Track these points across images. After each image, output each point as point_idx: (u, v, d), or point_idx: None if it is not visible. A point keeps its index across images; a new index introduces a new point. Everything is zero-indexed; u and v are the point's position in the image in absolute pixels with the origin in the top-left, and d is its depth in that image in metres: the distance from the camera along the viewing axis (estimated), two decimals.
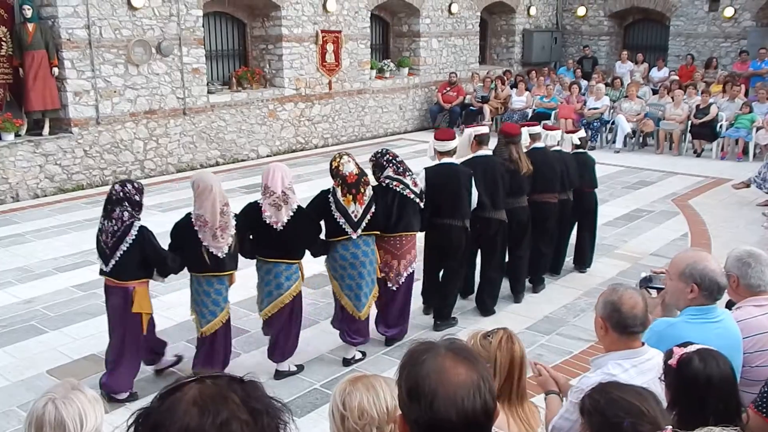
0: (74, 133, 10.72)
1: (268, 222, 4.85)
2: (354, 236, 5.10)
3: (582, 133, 7.61)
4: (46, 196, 10.25)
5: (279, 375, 5.18)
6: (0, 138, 10.11)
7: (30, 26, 10.02)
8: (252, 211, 4.94)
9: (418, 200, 5.47)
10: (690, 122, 13.58)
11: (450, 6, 16.67)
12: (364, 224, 5.12)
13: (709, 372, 2.33)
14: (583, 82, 16.24)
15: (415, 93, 16.58)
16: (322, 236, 5.24)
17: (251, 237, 5.03)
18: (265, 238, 4.93)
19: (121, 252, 4.64)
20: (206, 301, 4.86)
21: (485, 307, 6.29)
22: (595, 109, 14.48)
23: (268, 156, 13.08)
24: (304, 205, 5.14)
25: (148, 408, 1.25)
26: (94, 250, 4.91)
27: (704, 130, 13.46)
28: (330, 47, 14.21)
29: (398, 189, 5.36)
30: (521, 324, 5.96)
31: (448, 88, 16.29)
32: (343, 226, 5.07)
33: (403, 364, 1.62)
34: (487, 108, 15.94)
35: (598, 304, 2.84)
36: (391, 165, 5.45)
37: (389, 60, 16.37)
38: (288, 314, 5.08)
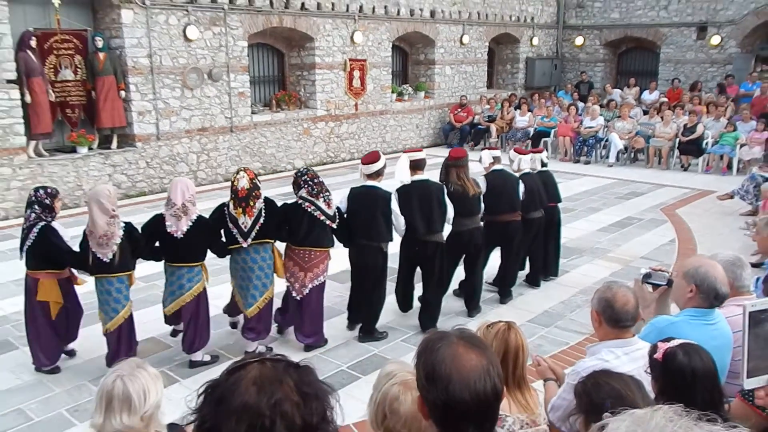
0: (138, 147, 10.85)
1: (168, 231, 4.79)
2: (244, 245, 4.94)
3: (546, 153, 7.22)
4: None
5: (193, 364, 5.09)
6: (75, 151, 10.26)
7: (101, 55, 10.18)
8: (155, 222, 4.89)
9: (328, 221, 5.14)
10: (678, 139, 13.44)
11: (461, 37, 16.66)
12: (253, 234, 4.93)
13: (693, 365, 2.27)
14: (580, 104, 16.13)
15: (430, 113, 16.57)
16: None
17: (157, 244, 4.94)
18: (168, 245, 4.86)
19: (26, 247, 4.76)
20: (108, 299, 4.77)
21: (422, 325, 5.69)
22: (590, 127, 14.39)
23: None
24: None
25: (217, 381, 1.26)
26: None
27: (691, 147, 13.31)
28: (356, 74, 14.25)
29: (309, 210, 5.10)
30: (523, 317, 5.93)
31: (459, 109, 16.28)
32: (236, 236, 4.94)
33: (420, 351, 1.61)
34: (493, 127, 15.89)
35: (594, 299, 2.82)
36: (306, 185, 5.15)
37: (408, 84, 16.38)
38: (194, 310, 4.99)
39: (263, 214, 4.96)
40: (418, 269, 5.82)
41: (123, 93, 10.44)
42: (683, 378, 2.27)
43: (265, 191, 5.29)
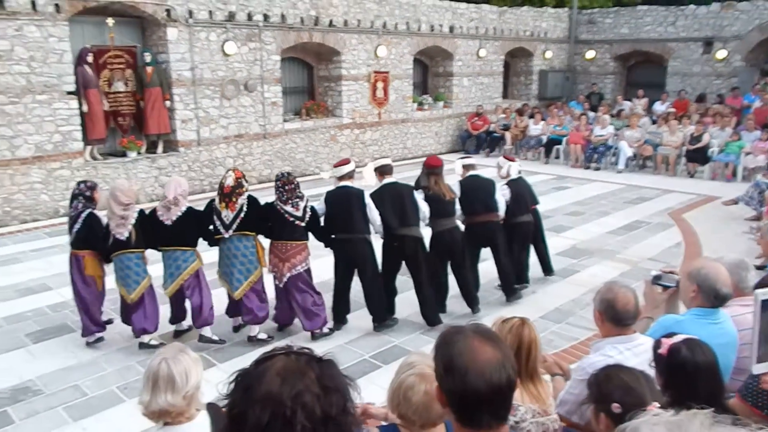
0: (181, 152, 11.02)
1: (160, 219, 5.15)
2: (226, 235, 5.18)
3: (518, 161, 6.84)
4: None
5: (202, 338, 5.31)
6: (126, 155, 10.46)
7: (149, 69, 10.36)
8: (151, 213, 5.25)
9: (297, 222, 5.25)
10: (685, 148, 13.22)
11: (478, 51, 16.60)
12: (234, 226, 5.15)
13: (696, 360, 2.24)
14: (591, 114, 15.95)
15: (448, 122, 16.53)
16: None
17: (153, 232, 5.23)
18: (160, 232, 5.18)
19: (75, 231, 5.18)
20: (129, 273, 5.15)
21: (427, 320, 5.70)
22: (600, 136, 14.21)
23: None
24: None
25: (246, 370, 1.26)
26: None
27: (697, 155, 13.03)
28: (380, 85, 14.28)
29: (281, 211, 5.25)
30: (536, 313, 5.90)
31: (476, 118, 16.21)
32: (219, 227, 5.18)
33: (438, 345, 1.60)
34: (508, 135, 15.79)
35: (596, 299, 2.79)
36: (277, 191, 5.30)
37: (428, 95, 16.36)
38: (195, 283, 5.24)
39: (244, 209, 5.17)
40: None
41: (168, 103, 10.61)
42: (686, 372, 2.24)
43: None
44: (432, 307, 5.73)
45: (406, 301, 5.92)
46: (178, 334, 5.49)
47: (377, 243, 5.62)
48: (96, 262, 5.28)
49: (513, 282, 6.37)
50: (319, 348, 4.97)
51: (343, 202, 5.42)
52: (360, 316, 5.79)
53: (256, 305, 5.34)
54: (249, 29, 11.51)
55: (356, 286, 5.67)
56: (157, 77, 10.40)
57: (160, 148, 10.88)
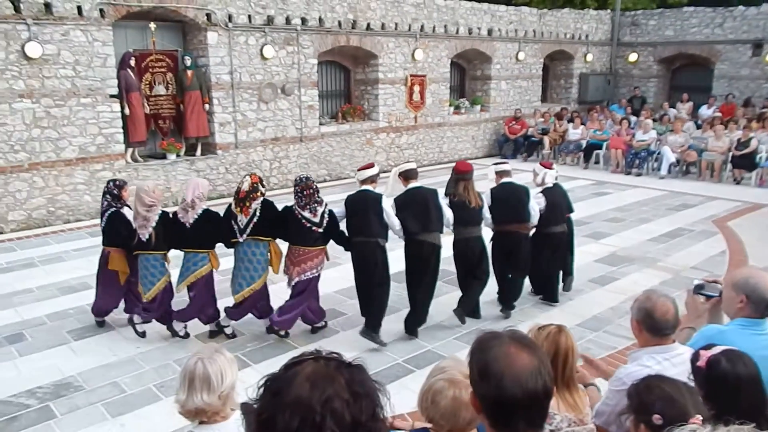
0: (219, 154, 11.21)
1: (181, 220, 5.28)
2: (240, 239, 5.26)
3: (555, 167, 6.62)
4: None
5: (174, 333, 5.51)
6: (166, 157, 10.70)
7: (189, 73, 10.59)
8: (174, 215, 5.37)
9: (314, 228, 5.25)
10: (731, 153, 12.83)
11: (517, 54, 16.45)
12: (248, 231, 5.22)
13: (737, 372, 2.15)
14: (633, 118, 15.65)
15: (486, 126, 16.41)
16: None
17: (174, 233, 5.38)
18: (181, 233, 5.30)
19: (101, 228, 5.55)
20: (146, 273, 5.34)
21: (406, 328, 5.59)
22: (643, 141, 13.92)
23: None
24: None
25: (276, 374, 1.26)
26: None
27: (744, 161, 12.64)
28: (416, 88, 14.28)
29: (298, 216, 5.27)
30: (573, 320, 5.81)
31: (514, 122, 16.08)
32: (235, 231, 5.27)
33: (473, 350, 1.59)
34: (546, 139, 15.59)
35: (634, 308, 2.71)
36: (296, 197, 5.32)
37: (464, 99, 16.29)
38: (201, 286, 5.37)
39: (257, 214, 5.22)
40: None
41: (207, 106, 10.82)
42: (727, 385, 2.17)
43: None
44: (419, 317, 5.60)
45: (440, 305, 5.90)
46: (213, 335, 5.58)
47: (400, 248, 5.56)
48: (122, 258, 5.49)
49: (514, 298, 6.17)
50: (353, 350, 5.02)
51: (361, 206, 5.39)
52: (392, 320, 5.79)
53: (244, 311, 5.47)
54: (287, 33, 11.67)
55: (402, 290, 5.69)
56: (197, 81, 10.62)
57: (198, 151, 11.09)
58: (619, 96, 18.71)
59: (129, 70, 9.91)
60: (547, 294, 6.46)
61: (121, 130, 9.97)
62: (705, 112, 15.98)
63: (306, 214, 5.26)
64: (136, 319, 5.58)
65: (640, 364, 2.62)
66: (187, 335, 5.56)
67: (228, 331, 5.57)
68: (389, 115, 13.92)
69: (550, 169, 6.43)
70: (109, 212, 5.48)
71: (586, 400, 2.76)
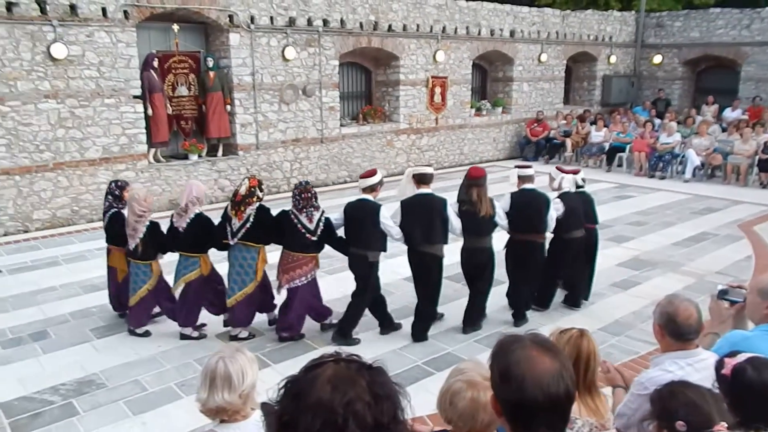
0: (240, 155, 11.30)
1: (175, 225, 5.38)
2: (231, 242, 5.26)
3: (583, 173, 6.52)
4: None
5: (183, 336, 5.54)
6: (187, 158, 10.82)
7: (211, 74, 10.70)
8: (170, 220, 5.49)
9: (307, 234, 5.23)
10: (758, 157, 12.60)
11: (540, 56, 16.34)
12: (240, 235, 5.20)
13: (763, 380, 2.07)
14: (657, 121, 15.46)
15: (507, 128, 16.33)
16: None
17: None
18: (174, 238, 5.42)
19: (103, 227, 5.78)
20: (135, 279, 5.51)
21: (413, 335, 5.55)
22: (667, 143, 13.74)
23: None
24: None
25: (295, 377, 1.26)
26: None
27: None
28: (438, 90, 14.26)
29: (294, 220, 5.26)
30: (594, 325, 5.74)
31: (536, 124, 15.97)
32: (228, 234, 5.27)
33: (494, 353, 1.58)
34: (568, 141, 15.47)
35: (656, 313, 2.68)
36: (294, 199, 5.32)
37: (486, 100, 16.23)
38: (185, 291, 5.47)
39: (251, 220, 5.20)
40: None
41: (229, 107, 10.92)
42: (753, 393, 2.12)
43: (349, 198, 5.42)
44: (425, 325, 5.59)
45: (460, 308, 5.88)
46: (233, 339, 5.62)
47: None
48: (122, 256, 5.68)
49: (526, 308, 6.06)
50: (372, 351, 5.04)
51: (359, 216, 5.32)
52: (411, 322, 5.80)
53: (243, 314, 5.47)
54: (308, 34, 11.74)
55: (411, 292, 5.69)
56: (219, 82, 10.73)
57: (220, 152, 11.19)
58: (643, 98, 18.48)
59: (152, 71, 10.04)
60: (571, 299, 6.38)
61: (144, 131, 10.11)
62: (729, 114, 15.72)
63: (302, 218, 5.25)
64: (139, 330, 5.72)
65: (662, 369, 2.59)
66: (202, 336, 5.61)
67: (243, 335, 5.57)
68: (410, 116, 13.92)
69: (575, 174, 6.29)
70: (110, 213, 5.66)
71: (608, 404, 2.74)
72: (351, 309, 5.49)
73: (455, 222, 5.43)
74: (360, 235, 5.31)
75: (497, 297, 6.18)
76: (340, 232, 5.49)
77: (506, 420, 1.55)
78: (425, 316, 5.59)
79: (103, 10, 9.33)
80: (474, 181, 5.52)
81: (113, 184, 5.80)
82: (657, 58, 18.61)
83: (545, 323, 5.82)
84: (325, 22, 11.94)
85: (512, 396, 1.50)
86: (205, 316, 5.73)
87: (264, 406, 2.50)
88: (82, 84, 9.33)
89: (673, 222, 9.84)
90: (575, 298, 6.36)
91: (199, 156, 10.95)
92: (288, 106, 11.73)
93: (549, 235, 6.05)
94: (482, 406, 2.04)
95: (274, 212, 5.49)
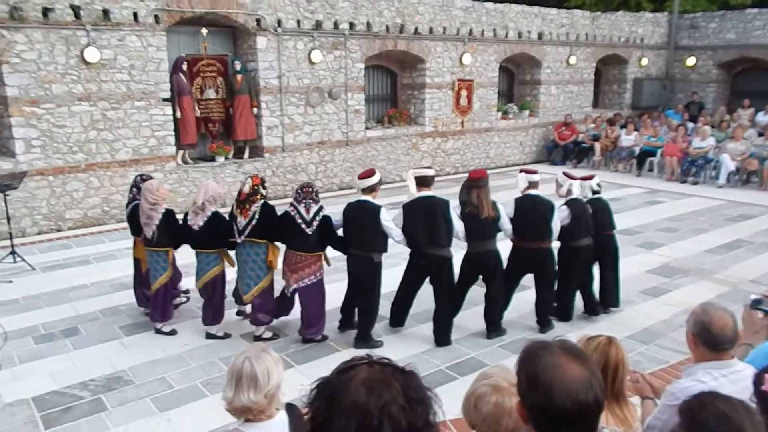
0: (266, 157, 11.43)
1: (189, 224, 5.52)
2: (238, 240, 5.38)
3: (598, 178, 6.37)
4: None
5: (209, 336, 5.65)
6: (214, 160, 10.99)
7: (239, 77, 10.84)
8: (184, 218, 5.65)
9: (303, 225, 5.25)
10: None
11: (568, 58, 16.20)
12: (246, 232, 5.30)
13: None
14: (690, 124, 15.17)
15: (534, 131, 16.22)
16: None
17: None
18: (191, 236, 5.56)
19: (126, 217, 6.07)
20: (152, 267, 5.69)
21: (436, 340, 5.55)
22: (700, 148, 13.49)
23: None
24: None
25: (327, 379, 1.27)
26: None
27: None
28: (463, 93, 14.24)
29: (292, 213, 5.31)
30: (623, 332, 5.66)
31: (564, 128, 15.82)
32: (234, 232, 5.38)
33: (521, 359, 1.57)
34: (597, 145, 15.29)
35: (690, 321, 2.64)
36: (296, 193, 5.41)
37: (513, 103, 16.14)
38: (211, 289, 5.60)
39: (256, 217, 5.31)
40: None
41: (255, 110, 11.05)
42: None
43: (377, 201, 5.44)
44: (446, 327, 5.56)
45: (481, 313, 5.86)
46: (257, 339, 5.67)
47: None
48: (139, 244, 5.88)
49: (549, 313, 5.96)
50: (395, 355, 5.04)
51: (359, 217, 5.33)
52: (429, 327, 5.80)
53: (263, 311, 5.57)
54: (335, 37, 11.82)
55: (424, 295, 5.70)
56: (246, 85, 10.87)
57: (246, 154, 11.32)
58: (676, 101, 18.17)
59: (181, 75, 10.22)
60: (588, 308, 6.23)
61: (173, 133, 10.30)
62: (762, 118, 15.34)
63: (301, 208, 5.29)
64: (157, 325, 5.81)
65: (695, 380, 2.54)
66: (227, 336, 5.69)
67: (267, 335, 5.65)
68: (435, 119, 13.91)
69: (589, 179, 6.17)
70: (132, 204, 5.87)
71: (637, 414, 2.70)
72: (363, 313, 5.52)
73: (458, 225, 5.39)
74: (361, 236, 5.33)
75: (522, 302, 6.15)
76: (341, 233, 5.55)
77: (533, 427, 1.54)
78: (444, 320, 5.56)
79: (135, 14, 9.53)
80: (475, 182, 5.47)
81: (138, 178, 6.02)
82: (690, 61, 18.28)
83: (572, 330, 5.78)
84: (352, 25, 12.01)
85: (539, 403, 1.48)
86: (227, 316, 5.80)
87: (289, 407, 2.53)
88: (113, 87, 9.55)
89: (705, 229, 9.66)
90: (590, 307, 6.20)
91: (226, 158, 11.10)
92: (314, 109, 11.83)
93: (556, 244, 5.91)
94: (507, 412, 2.04)
95: (280, 212, 5.59)
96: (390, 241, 5.44)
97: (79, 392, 4.73)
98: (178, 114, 10.26)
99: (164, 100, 10.05)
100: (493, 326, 5.73)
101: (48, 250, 8.50)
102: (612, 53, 17.41)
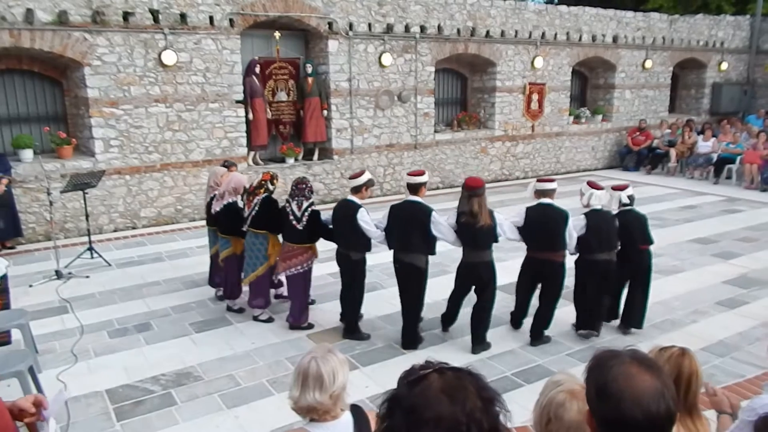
0: (335, 159, 11.55)
1: (213, 206, 6.24)
2: (244, 228, 5.95)
3: (630, 190, 5.84)
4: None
5: (229, 309, 6.29)
6: (284, 161, 11.19)
7: (309, 80, 11.01)
8: (209, 200, 6.40)
9: (294, 221, 5.59)
10: None
11: (644, 62, 15.58)
12: (248, 222, 5.84)
13: None
14: None
15: (607, 136, 15.68)
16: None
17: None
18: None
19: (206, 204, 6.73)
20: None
21: (402, 343, 5.50)
22: None
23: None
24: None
25: (398, 392, 1.24)
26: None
27: None
28: (534, 97, 13.95)
29: (286, 209, 5.66)
30: (697, 344, 5.36)
31: (638, 133, 15.23)
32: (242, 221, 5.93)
33: (591, 367, 1.54)
34: (673, 151, 14.63)
35: None
36: (291, 188, 5.72)
37: (585, 108, 15.68)
38: (226, 268, 6.24)
39: (256, 209, 5.79)
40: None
41: (325, 112, 11.19)
42: None
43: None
44: (408, 333, 5.50)
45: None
46: (255, 320, 6.11)
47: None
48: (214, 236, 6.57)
49: (543, 327, 5.63)
50: (459, 360, 4.95)
51: (342, 217, 5.52)
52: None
53: (258, 294, 6.06)
54: (406, 41, 11.83)
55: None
56: (317, 87, 11.02)
57: (315, 156, 11.47)
58: (757, 107, 17.17)
59: (254, 77, 10.47)
60: (589, 324, 5.78)
61: (245, 134, 10.55)
62: None
63: (293, 205, 5.64)
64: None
65: None
66: (270, 320, 6.09)
67: (263, 317, 6.09)
68: (505, 123, 13.69)
69: (622, 189, 5.78)
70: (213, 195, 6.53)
71: (710, 429, 2.55)
72: (350, 306, 5.76)
73: (445, 231, 5.25)
74: (343, 235, 5.56)
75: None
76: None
77: None
78: (406, 324, 5.51)
79: (211, 18, 9.85)
80: (473, 191, 5.25)
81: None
82: None
83: (643, 340, 5.53)
84: (423, 28, 11.98)
85: (609, 413, 1.45)
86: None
87: (354, 408, 2.52)
88: (189, 89, 9.89)
89: None
90: (592, 323, 5.72)
91: (296, 159, 11.28)
92: (383, 112, 11.87)
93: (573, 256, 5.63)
94: None
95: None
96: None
97: (151, 386, 4.86)
98: (251, 116, 10.51)
99: (237, 102, 10.32)
100: (478, 339, 5.47)
101: (123, 247, 8.82)
102: (690, 57, 16.63)
